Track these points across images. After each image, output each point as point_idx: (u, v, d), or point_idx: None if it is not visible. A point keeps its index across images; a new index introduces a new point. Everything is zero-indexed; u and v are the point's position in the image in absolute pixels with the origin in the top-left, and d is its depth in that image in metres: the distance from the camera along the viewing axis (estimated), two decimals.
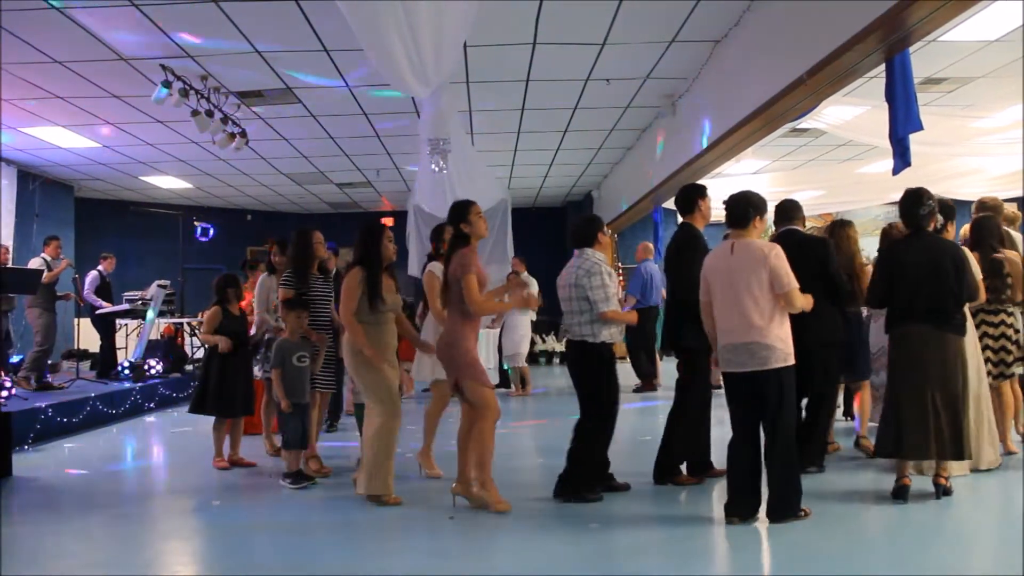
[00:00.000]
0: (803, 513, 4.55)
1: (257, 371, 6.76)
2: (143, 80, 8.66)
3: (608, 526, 4.67)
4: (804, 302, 4.54)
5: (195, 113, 8.80)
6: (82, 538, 4.80)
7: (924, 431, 4.81)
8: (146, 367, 10.76)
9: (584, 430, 5.19)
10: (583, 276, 5.09)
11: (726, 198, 4.84)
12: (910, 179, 11.52)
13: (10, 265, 10.07)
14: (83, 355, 11.55)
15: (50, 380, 10.04)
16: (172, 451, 7.79)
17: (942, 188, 13.17)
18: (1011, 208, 7.00)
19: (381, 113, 10.46)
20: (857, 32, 5.49)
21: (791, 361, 4.51)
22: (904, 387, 4.93)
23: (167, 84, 8.24)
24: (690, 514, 5.10)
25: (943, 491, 4.90)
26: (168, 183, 14.76)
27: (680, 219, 5.75)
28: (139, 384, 10.25)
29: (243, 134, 9.96)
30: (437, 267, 5.70)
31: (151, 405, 10.26)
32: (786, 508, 4.52)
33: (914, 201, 5.04)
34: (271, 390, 6.26)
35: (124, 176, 14.11)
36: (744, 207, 4.69)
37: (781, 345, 4.46)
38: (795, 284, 4.48)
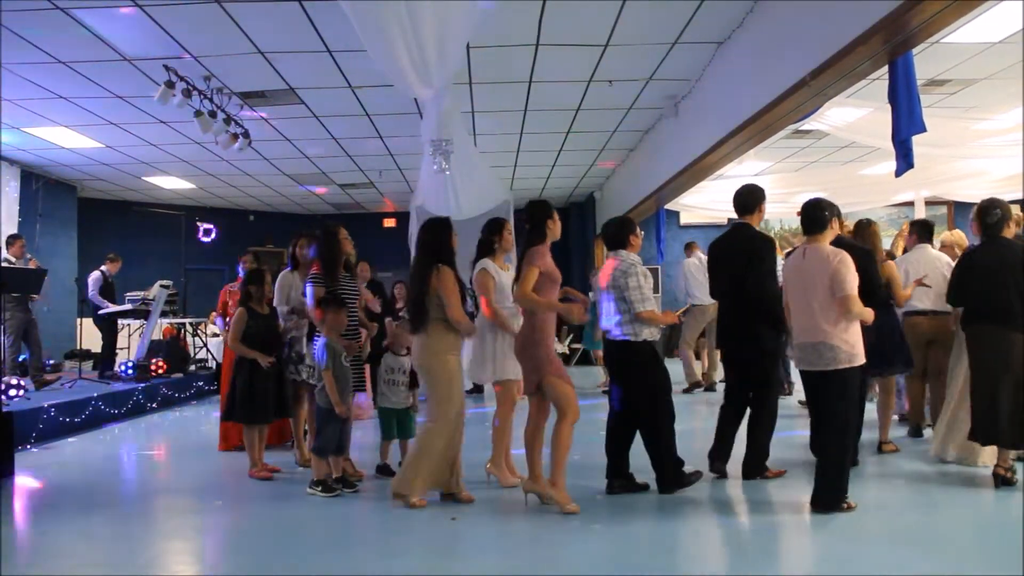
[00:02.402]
0: (846, 506, 4.73)
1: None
2: (146, 80, 8.67)
3: (617, 524, 4.67)
4: (861, 309, 4.68)
5: (198, 114, 8.81)
6: (84, 537, 4.80)
7: (991, 420, 5.28)
8: (150, 366, 10.80)
9: (650, 428, 5.30)
10: (619, 277, 5.23)
11: (801, 206, 5.05)
12: (913, 181, 11.62)
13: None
14: (85, 355, 11.57)
15: (47, 377, 10.08)
16: (174, 451, 7.79)
17: (945, 190, 13.21)
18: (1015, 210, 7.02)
19: (384, 114, 10.47)
20: (860, 34, 5.48)
21: (856, 362, 4.69)
22: (976, 381, 5.43)
23: (170, 84, 8.24)
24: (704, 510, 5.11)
25: (1002, 480, 5.26)
26: (171, 183, 14.77)
27: (739, 219, 5.87)
28: (141, 384, 10.27)
29: (246, 135, 9.98)
30: (490, 264, 5.54)
31: (153, 405, 10.27)
32: (832, 500, 4.72)
33: (983, 212, 5.54)
34: (310, 395, 6.12)
35: (127, 176, 14.13)
36: (819, 212, 4.90)
37: (846, 347, 4.65)
38: (850, 291, 4.63)
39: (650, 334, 5.25)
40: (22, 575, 4.07)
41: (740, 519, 5.00)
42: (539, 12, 7.26)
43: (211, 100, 9.03)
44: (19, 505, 5.71)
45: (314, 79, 8.99)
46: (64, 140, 11.43)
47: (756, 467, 5.70)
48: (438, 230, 5.26)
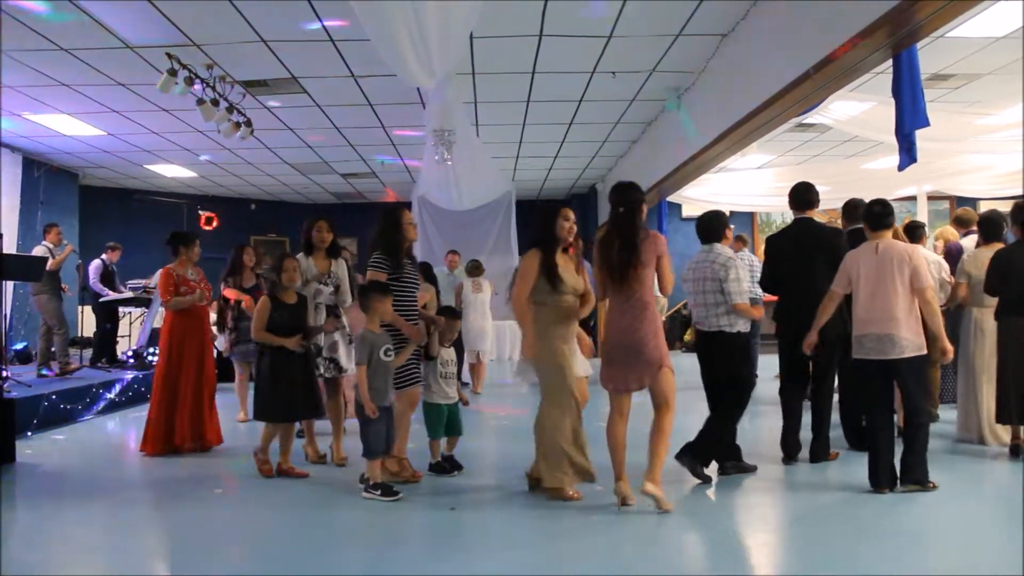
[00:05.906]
0: (932, 485, 5.00)
1: None
2: (149, 68, 8.65)
3: (619, 519, 4.68)
4: (935, 297, 5.12)
5: (200, 102, 8.79)
6: (83, 523, 4.83)
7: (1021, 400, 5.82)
8: (146, 355, 10.80)
9: (720, 413, 5.48)
10: (720, 269, 5.42)
11: (870, 203, 5.41)
12: (916, 176, 11.58)
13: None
14: (87, 343, 11.58)
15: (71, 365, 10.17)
16: None
17: (948, 185, 13.19)
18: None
19: (387, 104, 10.46)
20: (865, 27, 5.47)
21: (924, 351, 5.04)
22: (1019, 367, 5.87)
23: (172, 72, 8.22)
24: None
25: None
26: (172, 172, 14.74)
27: (796, 215, 6.21)
28: (142, 372, 10.28)
29: (248, 123, 9.95)
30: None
31: None
32: (920, 476, 5.00)
33: (1018, 212, 6.11)
34: (330, 390, 6.06)
35: (129, 164, 14.11)
36: (889, 211, 5.29)
37: (915, 337, 4.99)
38: (930, 282, 5.02)
39: (744, 326, 5.44)
40: (22, 560, 4.09)
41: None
42: (543, 3, 7.25)
43: (213, 88, 9.01)
44: (20, 492, 5.72)
45: (317, 68, 8.98)
46: (66, 127, 11.41)
47: (824, 451, 5.93)
48: (542, 215, 5.14)
